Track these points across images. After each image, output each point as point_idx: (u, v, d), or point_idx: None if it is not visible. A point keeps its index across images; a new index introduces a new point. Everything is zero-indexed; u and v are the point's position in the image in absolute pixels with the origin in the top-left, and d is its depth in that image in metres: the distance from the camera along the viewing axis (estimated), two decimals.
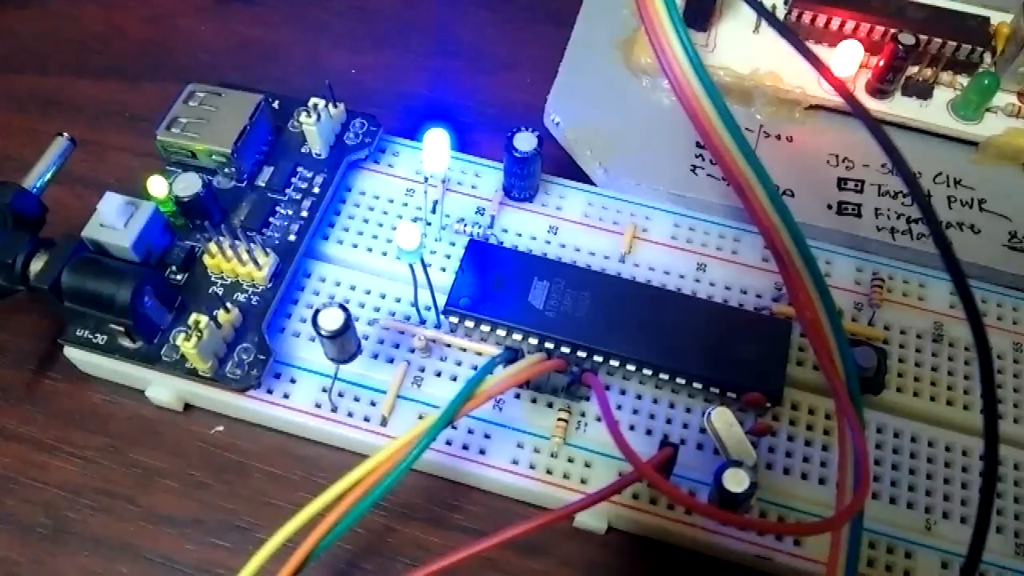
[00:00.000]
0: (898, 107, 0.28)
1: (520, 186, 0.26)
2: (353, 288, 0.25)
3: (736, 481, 0.19)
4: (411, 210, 0.26)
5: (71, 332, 0.23)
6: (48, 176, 0.24)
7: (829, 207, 0.27)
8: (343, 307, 0.21)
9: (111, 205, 0.23)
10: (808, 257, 0.21)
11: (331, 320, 0.20)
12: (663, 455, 0.20)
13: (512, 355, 0.22)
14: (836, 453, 0.22)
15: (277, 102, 0.27)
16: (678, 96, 0.21)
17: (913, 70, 0.28)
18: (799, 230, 0.21)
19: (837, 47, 0.28)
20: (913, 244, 0.26)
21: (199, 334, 0.21)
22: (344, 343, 0.21)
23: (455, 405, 0.20)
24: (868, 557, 0.21)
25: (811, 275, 0.21)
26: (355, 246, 0.26)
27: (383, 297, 0.25)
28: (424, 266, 0.22)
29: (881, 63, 0.27)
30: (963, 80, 0.28)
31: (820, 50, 0.29)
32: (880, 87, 0.28)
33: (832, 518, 0.19)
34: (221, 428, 0.24)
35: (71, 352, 0.24)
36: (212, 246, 0.23)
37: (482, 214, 0.26)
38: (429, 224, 0.26)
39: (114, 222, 0.23)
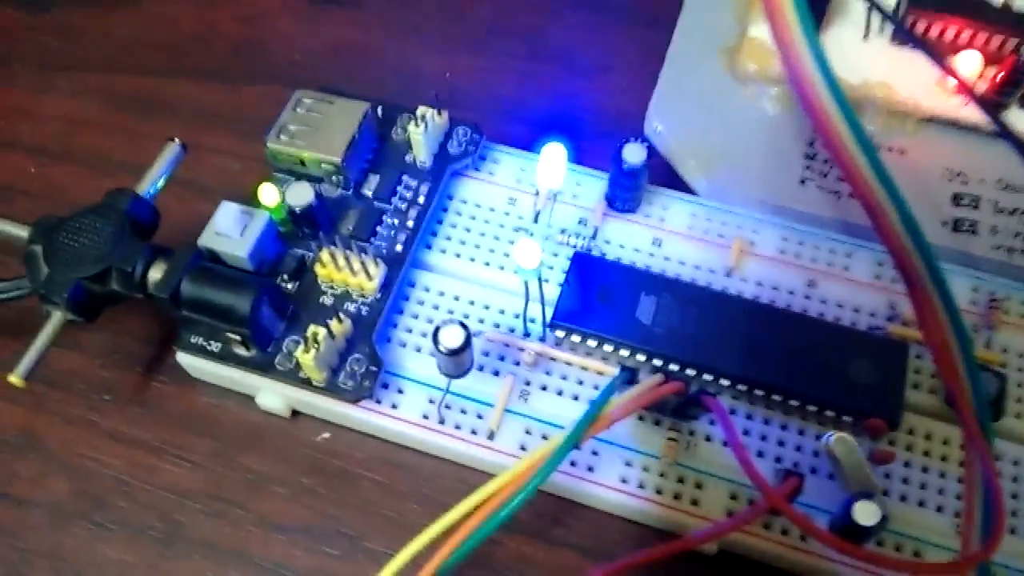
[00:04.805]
0: (1014, 119, 0.27)
1: (625, 197, 0.26)
2: (457, 299, 0.25)
3: (868, 514, 0.19)
4: (513, 219, 0.26)
5: (185, 338, 0.23)
6: (161, 183, 0.24)
7: (944, 224, 0.26)
8: (463, 325, 0.21)
9: (227, 214, 0.23)
10: (940, 280, 0.20)
11: (452, 337, 0.20)
12: (791, 484, 0.19)
13: (630, 375, 0.21)
14: (956, 482, 0.22)
15: (380, 108, 0.27)
16: (807, 108, 0.20)
17: None
18: (931, 252, 0.20)
19: (956, 56, 0.27)
20: None
21: (317, 346, 0.21)
22: (461, 360, 0.21)
23: (580, 428, 0.19)
24: None
25: (943, 299, 0.20)
26: (458, 255, 0.26)
27: (487, 308, 0.25)
28: (540, 282, 0.22)
29: (1001, 75, 0.27)
30: None
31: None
32: (996, 99, 0.27)
33: (961, 560, 0.19)
34: (328, 435, 0.24)
35: (183, 357, 0.24)
36: (324, 255, 0.23)
37: (584, 224, 0.26)
38: (531, 233, 0.26)
39: (230, 231, 0.23)
